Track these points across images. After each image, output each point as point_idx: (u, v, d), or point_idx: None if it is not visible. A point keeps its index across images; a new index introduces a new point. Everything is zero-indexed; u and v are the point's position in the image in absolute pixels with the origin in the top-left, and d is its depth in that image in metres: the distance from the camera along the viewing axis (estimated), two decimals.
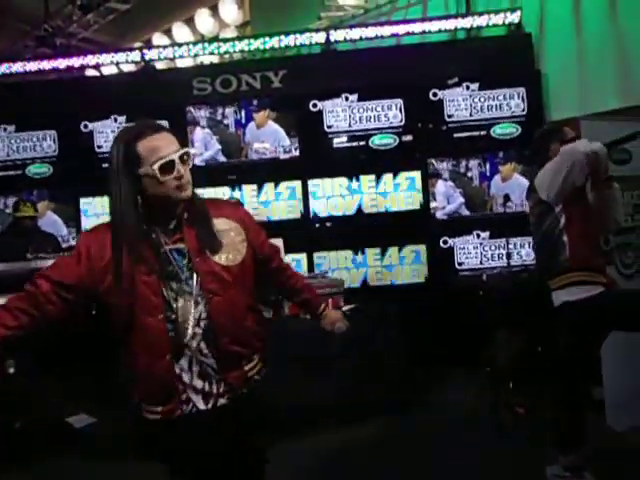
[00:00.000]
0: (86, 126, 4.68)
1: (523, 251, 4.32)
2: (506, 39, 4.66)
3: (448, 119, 4.48)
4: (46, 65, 5.09)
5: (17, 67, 5.06)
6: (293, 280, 1.72)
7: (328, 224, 4.54)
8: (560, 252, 2.19)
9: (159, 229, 1.37)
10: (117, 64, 5.44)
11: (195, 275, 1.37)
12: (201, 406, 1.36)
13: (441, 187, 4.48)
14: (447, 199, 4.48)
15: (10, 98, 4.83)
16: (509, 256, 3.81)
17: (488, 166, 4.44)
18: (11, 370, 3.01)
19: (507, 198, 3.85)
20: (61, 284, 1.32)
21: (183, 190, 1.33)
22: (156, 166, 1.28)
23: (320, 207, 4.54)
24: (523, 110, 4.42)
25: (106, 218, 1.40)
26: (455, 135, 4.48)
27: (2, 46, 7.42)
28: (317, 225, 4.54)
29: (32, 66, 5.09)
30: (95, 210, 4.62)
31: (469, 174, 4.46)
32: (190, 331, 1.35)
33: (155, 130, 1.34)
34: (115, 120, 4.67)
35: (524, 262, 4.21)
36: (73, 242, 4.58)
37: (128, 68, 6.18)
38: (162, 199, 1.33)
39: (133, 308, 1.32)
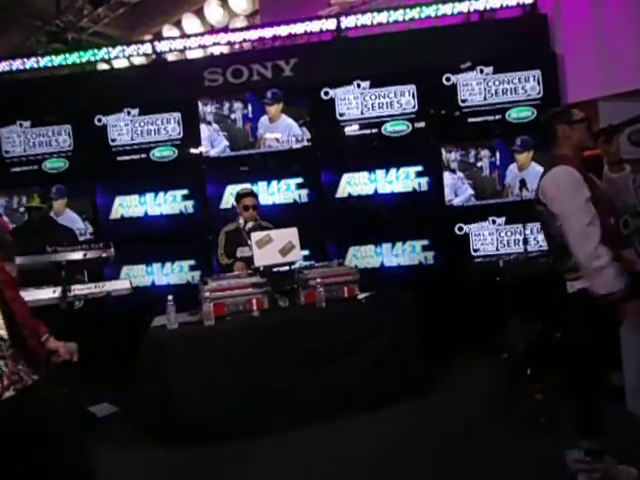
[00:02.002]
0: (100, 120, 4.71)
1: (540, 236, 4.26)
2: (520, 21, 4.57)
3: (462, 104, 4.41)
4: (58, 60, 5.13)
5: (30, 63, 5.11)
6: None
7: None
8: (570, 254, 2.14)
9: None
10: (128, 57, 5.45)
11: None
12: None
13: (449, 179, 4.43)
14: (455, 192, 4.43)
15: (24, 94, 4.88)
16: (526, 242, 3.75)
17: (499, 155, 4.37)
18: None
19: (523, 183, 3.79)
20: None
21: None
22: None
23: (338, 193, 4.54)
24: (539, 93, 4.34)
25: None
26: (469, 120, 4.42)
27: (14, 42, 7.48)
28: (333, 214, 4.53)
29: (45, 61, 5.13)
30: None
31: (479, 164, 4.40)
32: None
33: None
34: (128, 113, 4.69)
35: (541, 247, 4.16)
36: (89, 235, 4.65)
37: (139, 61, 6.20)
38: None
39: None
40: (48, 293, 3.13)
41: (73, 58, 5.13)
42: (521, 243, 4.07)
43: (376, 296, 3.42)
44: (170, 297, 3.07)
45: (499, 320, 3.44)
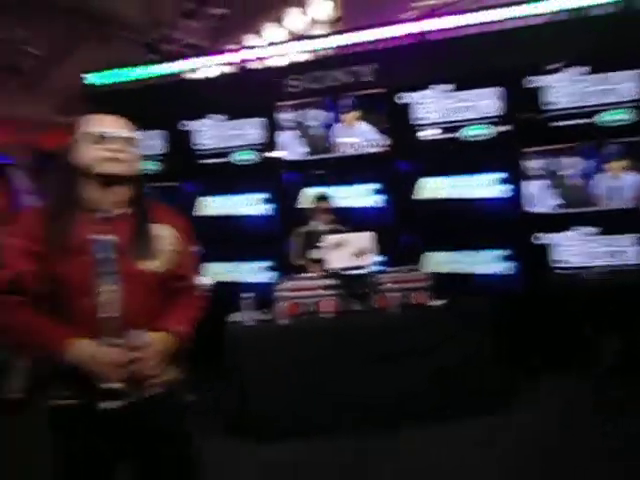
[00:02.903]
0: (186, 125, 5.02)
1: (629, 249, 3.94)
2: (618, 17, 4.26)
3: (549, 107, 4.19)
4: (153, 70, 5.54)
5: (126, 74, 5.56)
6: (172, 306, 1.51)
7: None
8: None
9: (90, 214, 1.38)
10: (214, 66, 5.75)
11: (115, 271, 1.37)
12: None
13: (533, 188, 4.21)
14: (538, 200, 4.20)
15: (121, 103, 5.29)
16: (614, 255, 3.50)
17: (589, 162, 4.09)
18: None
19: (612, 192, 3.54)
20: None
21: (110, 162, 1.36)
22: (92, 129, 1.37)
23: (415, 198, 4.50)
24: (637, 94, 4.02)
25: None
26: (556, 124, 4.18)
27: (113, 55, 8.16)
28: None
29: (141, 72, 5.56)
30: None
31: (566, 171, 4.14)
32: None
33: (107, 113, 1.43)
34: (214, 119, 4.95)
35: (631, 262, 3.84)
36: None
37: (225, 70, 6.51)
38: (89, 171, 1.37)
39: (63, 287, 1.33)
40: None
41: (165, 68, 5.52)
42: (608, 255, 3.79)
43: (450, 304, 3.35)
44: (246, 295, 3.20)
45: (582, 334, 3.24)
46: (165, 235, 1.46)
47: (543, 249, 4.17)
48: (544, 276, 4.03)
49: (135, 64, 6.07)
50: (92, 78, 5.60)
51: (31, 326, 1.31)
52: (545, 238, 4.17)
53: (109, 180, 1.38)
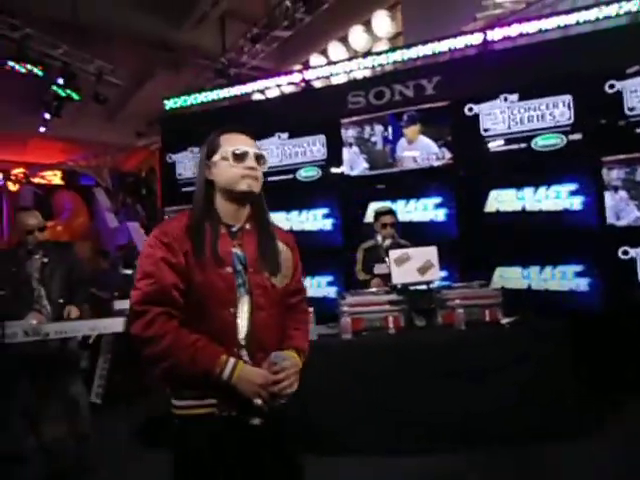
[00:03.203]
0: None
1: None
2: None
3: (628, 112, 3.94)
4: (223, 93, 5.82)
5: (201, 97, 5.88)
6: (295, 321, 1.55)
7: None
8: None
9: (225, 228, 1.42)
10: (280, 86, 5.95)
11: (247, 285, 1.40)
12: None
13: (610, 201, 3.95)
14: (617, 213, 3.93)
15: (194, 124, 5.60)
16: None
17: None
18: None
19: None
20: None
21: (249, 180, 1.39)
22: (231, 149, 1.40)
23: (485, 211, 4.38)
24: None
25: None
26: (637, 130, 3.92)
27: (188, 81, 8.67)
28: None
29: (212, 95, 5.86)
30: None
31: None
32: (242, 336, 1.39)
33: (240, 131, 1.46)
34: (279, 137, 5.10)
35: None
36: None
37: (289, 89, 6.73)
38: (229, 187, 1.40)
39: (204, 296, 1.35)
40: None
41: (234, 91, 5.78)
42: None
43: (522, 322, 3.19)
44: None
45: None
46: (283, 250, 1.50)
47: (629, 264, 3.88)
48: (629, 293, 3.74)
49: (206, 88, 6.42)
50: (169, 103, 5.97)
51: (181, 339, 1.30)
52: (631, 253, 3.89)
53: (244, 197, 1.43)
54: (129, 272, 3.21)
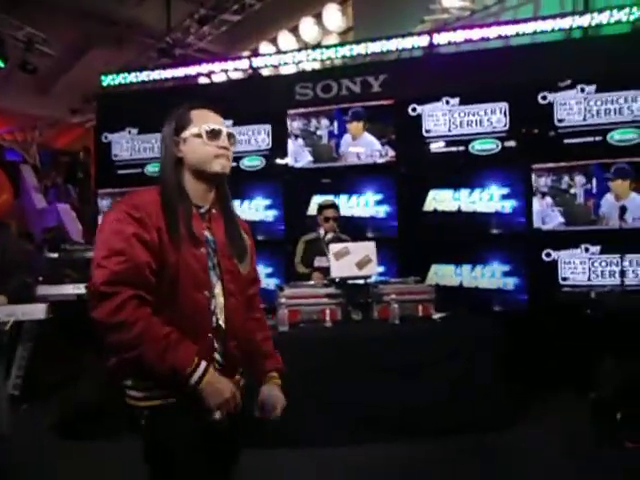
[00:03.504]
0: None
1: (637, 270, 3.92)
2: (630, 37, 4.27)
3: (558, 124, 4.19)
4: (166, 74, 5.60)
5: (142, 76, 5.62)
6: (256, 321, 1.53)
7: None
8: None
9: (195, 209, 1.35)
10: (227, 72, 5.80)
11: (216, 269, 1.35)
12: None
13: (537, 206, 4.20)
14: (542, 219, 4.19)
15: (134, 104, 5.36)
16: (623, 274, 3.46)
17: (596, 181, 4.07)
18: None
19: (623, 210, 3.52)
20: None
21: (222, 160, 1.32)
22: (204, 125, 1.32)
23: (422, 210, 4.50)
24: None
25: None
26: (565, 141, 4.18)
27: (129, 58, 8.26)
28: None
29: (154, 75, 5.62)
30: None
31: (573, 190, 4.13)
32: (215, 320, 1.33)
33: (210, 108, 1.39)
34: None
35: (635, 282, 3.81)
36: None
37: (236, 75, 6.58)
38: (200, 166, 1.32)
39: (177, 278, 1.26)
40: None
41: (178, 72, 5.57)
42: (617, 275, 3.76)
43: (452, 318, 3.32)
44: None
45: (588, 356, 3.20)
46: (244, 237, 1.45)
47: (551, 266, 4.15)
48: (551, 293, 3.99)
49: (149, 67, 6.14)
50: (107, 79, 5.66)
51: (153, 329, 1.18)
52: (553, 255, 4.15)
53: (216, 178, 1.35)
54: (55, 256, 3.02)
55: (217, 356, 1.32)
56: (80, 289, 3.18)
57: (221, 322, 1.33)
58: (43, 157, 10.44)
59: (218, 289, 1.34)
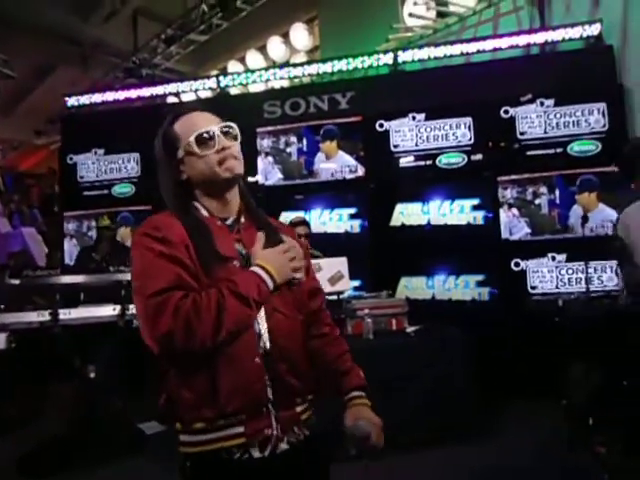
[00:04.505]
0: None
1: (605, 276, 4.03)
2: (584, 53, 4.46)
3: (520, 137, 4.32)
4: (133, 94, 5.54)
5: (108, 96, 5.55)
6: (323, 338, 1.31)
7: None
8: None
9: (220, 221, 1.19)
10: (195, 91, 5.79)
11: None
12: (256, 454, 1.10)
13: (504, 217, 4.31)
14: (510, 229, 4.29)
15: (101, 125, 5.28)
16: (588, 281, 3.56)
17: (559, 191, 4.20)
18: (92, 375, 3.22)
19: (585, 219, 3.63)
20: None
21: (228, 163, 1.15)
22: (192, 138, 1.14)
23: (391, 224, 4.54)
24: (604, 126, 4.18)
25: None
26: (528, 153, 4.31)
27: (96, 77, 8.16)
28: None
29: (120, 95, 5.56)
30: None
31: (537, 201, 4.25)
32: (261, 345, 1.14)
33: (192, 109, 1.22)
34: None
35: (605, 287, 3.92)
36: None
37: (205, 94, 6.57)
38: (209, 180, 1.16)
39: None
40: (108, 310, 3.28)
41: (145, 92, 5.53)
42: (583, 282, 3.86)
43: (425, 330, 3.34)
44: None
45: (558, 363, 3.24)
46: (289, 243, 1.20)
47: (520, 275, 4.23)
48: (521, 302, 4.06)
49: (114, 87, 6.07)
50: (71, 100, 5.57)
51: (213, 298, 1.04)
52: (522, 265, 4.24)
53: (230, 183, 1.18)
54: (17, 282, 2.92)
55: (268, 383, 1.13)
56: (45, 316, 3.07)
57: (261, 342, 1.13)
58: (7, 180, 10.16)
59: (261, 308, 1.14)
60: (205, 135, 1.14)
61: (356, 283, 4.30)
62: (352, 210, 4.62)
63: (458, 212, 4.42)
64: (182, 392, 1.09)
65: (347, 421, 1.22)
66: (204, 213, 1.18)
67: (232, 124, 1.20)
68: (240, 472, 1.09)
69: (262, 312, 1.14)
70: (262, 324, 1.14)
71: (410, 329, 3.34)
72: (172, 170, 1.18)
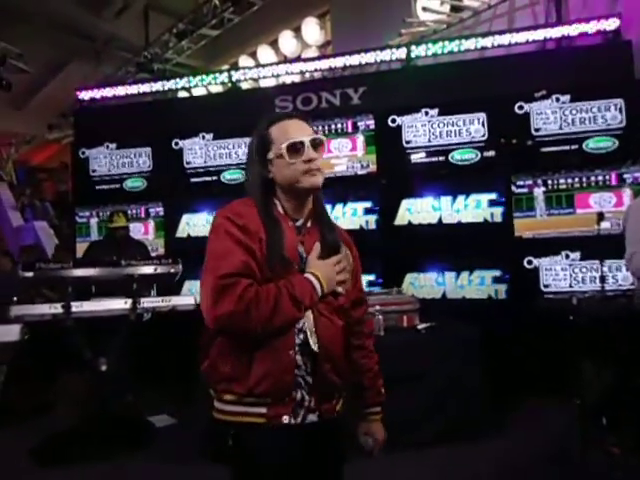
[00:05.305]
0: (177, 143, 5.01)
1: (620, 274, 3.96)
2: (602, 48, 4.38)
3: (535, 133, 4.26)
4: (144, 88, 5.55)
5: (119, 91, 5.56)
6: (360, 350, 1.47)
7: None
8: None
9: (291, 221, 1.32)
10: (206, 86, 5.79)
11: None
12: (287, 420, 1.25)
13: (517, 214, 4.23)
14: (528, 225, 4.21)
15: (113, 119, 5.30)
16: (603, 279, 3.50)
17: (573, 190, 4.13)
18: (103, 368, 3.24)
19: (601, 216, 3.56)
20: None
21: (312, 175, 1.27)
22: (284, 145, 1.26)
23: (402, 220, 4.50)
24: (621, 122, 4.10)
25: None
26: (543, 149, 4.24)
27: (107, 72, 8.19)
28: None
29: (133, 89, 5.57)
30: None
31: (551, 198, 4.18)
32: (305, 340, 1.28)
33: (288, 117, 1.34)
34: (203, 137, 4.95)
35: (620, 286, 3.86)
36: (161, 250, 4.90)
37: (216, 89, 6.58)
38: (291, 185, 1.29)
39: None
40: (119, 304, 3.29)
41: (157, 86, 5.54)
42: (597, 281, 3.80)
43: (437, 327, 3.31)
44: None
45: (571, 362, 3.21)
46: (345, 252, 1.37)
47: (533, 273, 4.18)
48: (533, 300, 4.02)
49: (126, 82, 6.09)
50: (83, 94, 5.59)
51: (272, 292, 1.20)
52: (535, 262, 4.18)
53: (309, 193, 1.32)
54: (29, 275, 2.94)
55: (304, 377, 1.27)
56: (57, 309, 3.09)
57: (311, 342, 1.26)
58: (19, 174, 10.26)
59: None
60: (297, 144, 1.27)
61: (372, 277, 4.35)
62: (363, 205, 4.58)
63: (471, 209, 4.37)
64: (221, 365, 1.25)
65: (359, 430, 1.48)
66: (280, 211, 1.32)
67: (322, 137, 1.33)
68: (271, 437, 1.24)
69: (310, 315, 1.27)
70: (307, 324, 1.27)
71: (421, 326, 3.32)
72: (261, 168, 1.31)
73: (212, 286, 1.18)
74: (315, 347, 1.26)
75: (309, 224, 1.35)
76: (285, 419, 1.24)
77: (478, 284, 4.32)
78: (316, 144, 1.29)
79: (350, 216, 4.61)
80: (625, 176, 4.04)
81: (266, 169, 1.31)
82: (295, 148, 1.26)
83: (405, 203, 4.49)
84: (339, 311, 1.33)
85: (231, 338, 1.24)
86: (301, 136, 1.28)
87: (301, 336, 1.26)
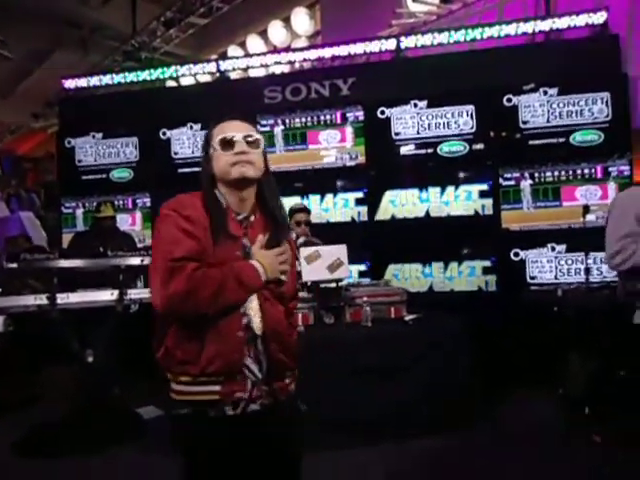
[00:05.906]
0: (164, 133, 4.96)
1: (604, 267, 4.01)
2: (590, 41, 4.40)
3: (523, 126, 4.28)
4: (131, 77, 5.47)
5: (106, 80, 5.48)
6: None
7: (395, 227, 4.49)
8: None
9: (234, 214, 1.41)
10: (195, 75, 5.72)
11: None
12: (229, 412, 1.34)
13: (509, 204, 4.27)
14: (515, 217, 4.25)
15: (99, 108, 5.23)
16: (588, 271, 3.55)
17: (559, 182, 4.17)
18: (89, 359, 3.22)
19: (586, 209, 3.60)
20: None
21: (241, 167, 1.35)
22: (217, 139, 1.38)
23: (389, 211, 4.51)
24: (607, 116, 4.14)
25: None
26: (530, 142, 4.27)
27: (94, 61, 8.06)
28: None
29: (119, 78, 5.49)
30: None
31: (538, 190, 4.21)
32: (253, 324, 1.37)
33: (232, 118, 1.44)
34: (191, 127, 4.90)
35: (604, 278, 3.91)
36: (149, 241, 4.86)
37: (204, 79, 6.50)
38: (223, 177, 1.38)
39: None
40: (106, 295, 3.27)
41: (144, 75, 5.46)
42: (582, 273, 3.85)
43: (424, 319, 3.33)
44: None
45: (556, 352, 3.26)
46: (287, 247, 1.45)
47: (520, 265, 4.22)
48: (520, 292, 4.06)
49: (113, 70, 6.00)
50: (68, 83, 5.50)
51: (217, 274, 1.29)
52: (521, 255, 4.22)
53: (239, 184, 1.38)
54: (14, 266, 2.90)
55: (257, 356, 1.37)
56: (42, 300, 3.05)
57: (254, 325, 1.36)
58: (5, 164, 10.10)
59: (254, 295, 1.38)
60: (228, 138, 1.37)
61: (362, 268, 4.40)
62: (350, 196, 4.58)
63: (458, 201, 4.39)
64: (175, 350, 1.33)
65: None
66: (223, 204, 1.40)
67: (258, 136, 1.42)
68: (215, 426, 1.33)
69: (255, 300, 1.37)
70: (252, 307, 1.37)
71: (409, 317, 3.34)
72: (206, 164, 1.42)
73: (163, 268, 1.27)
74: (258, 330, 1.36)
75: (253, 218, 1.43)
76: (238, 394, 1.33)
77: (467, 276, 4.35)
78: (249, 141, 1.38)
79: (342, 207, 4.61)
80: (610, 169, 4.09)
81: (209, 164, 1.41)
82: (227, 142, 1.37)
83: (389, 194, 4.50)
84: (281, 298, 1.44)
85: (183, 325, 1.32)
86: (235, 132, 1.38)
87: (245, 319, 1.36)
